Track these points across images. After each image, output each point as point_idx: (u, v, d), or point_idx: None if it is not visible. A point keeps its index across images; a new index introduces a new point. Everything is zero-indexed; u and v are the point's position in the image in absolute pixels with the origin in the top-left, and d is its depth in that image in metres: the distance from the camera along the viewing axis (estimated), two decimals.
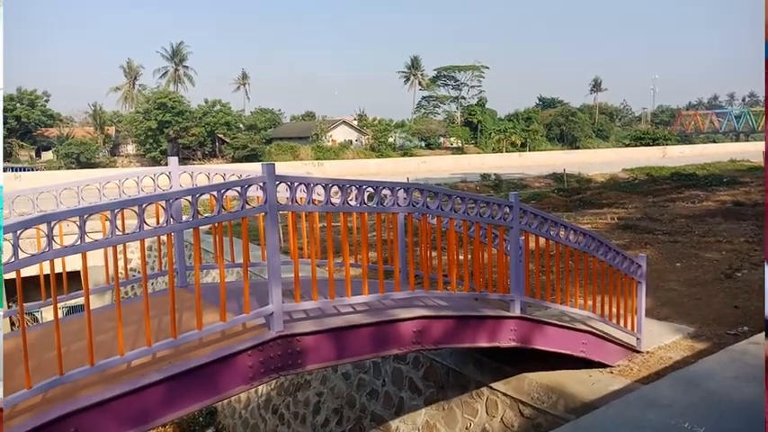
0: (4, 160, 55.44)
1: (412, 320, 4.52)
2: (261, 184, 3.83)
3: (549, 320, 5.49)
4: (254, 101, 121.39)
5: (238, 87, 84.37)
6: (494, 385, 6.16)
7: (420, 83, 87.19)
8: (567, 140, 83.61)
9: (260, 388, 9.67)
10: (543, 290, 5.84)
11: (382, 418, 7.59)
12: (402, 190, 4.53)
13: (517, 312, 5.20)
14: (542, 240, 5.52)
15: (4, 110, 49.55)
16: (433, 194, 4.77)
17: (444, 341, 4.82)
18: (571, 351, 5.54)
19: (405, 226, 5.56)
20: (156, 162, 57.90)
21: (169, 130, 59.86)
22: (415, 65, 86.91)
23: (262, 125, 68.36)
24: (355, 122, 74.87)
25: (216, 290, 4.46)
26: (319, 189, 4.16)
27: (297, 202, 4.07)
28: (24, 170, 46.80)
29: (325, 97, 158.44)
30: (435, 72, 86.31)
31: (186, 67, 76.76)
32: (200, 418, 10.76)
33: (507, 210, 5.16)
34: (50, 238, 3.07)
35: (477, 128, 76.37)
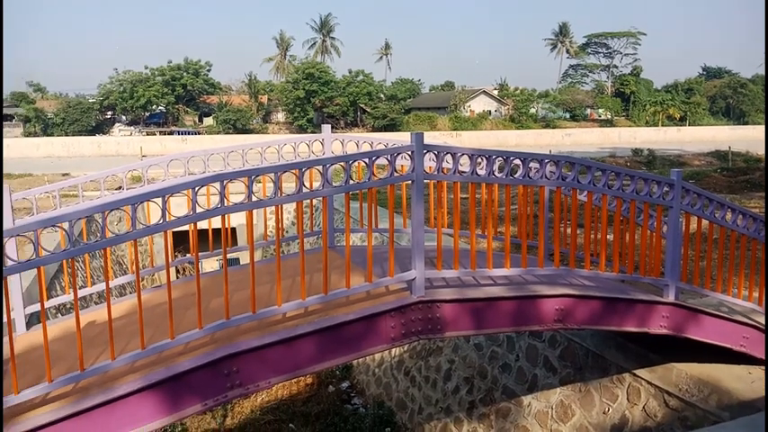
0: (172, 124, 61.51)
1: (555, 298, 4.41)
2: (409, 152, 3.91)
3: (707, 309, 5.07)
4: (396, 71, 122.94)
5: (381, 58, 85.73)
6: (637, 372, 5.84)
7: (568, 51, 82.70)
8: (734, 115, 75.25)
9: (394, 349, 10.03)
10: (702, 277, 5.38)
11: (514, 392, 7.55)
12: (551, 163, 4.38)
13: (671, 298, 4.86)
14: (704, 223, 5.07)
15: (173, 78, 54.36)
16: (585, 168, 4.56)
17: (588, 322, 4.65)
18: (730, 344, 5.08)
19: (549, 201, 5.40)
20: (302, 130, 60.94)
21: (315, 99, 62.52)
22: (563, 31, 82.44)
23: (401, 95, 69.05)
24: (495, 92, 73.06)
25: (361, 253, 4.66)
26: (464, 159, 4.15)
27: (442, 171, 4.10)
28: (190, 134, 51.70)
29: (465, 67, 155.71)
30: (585, 39, 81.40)
31: (333, 38, 79.37)
32: (337, 372, 11.40)
33: (667, 188, 4.80)
34: (222, 195, 3.38)
35: (629, 99, 71.18)
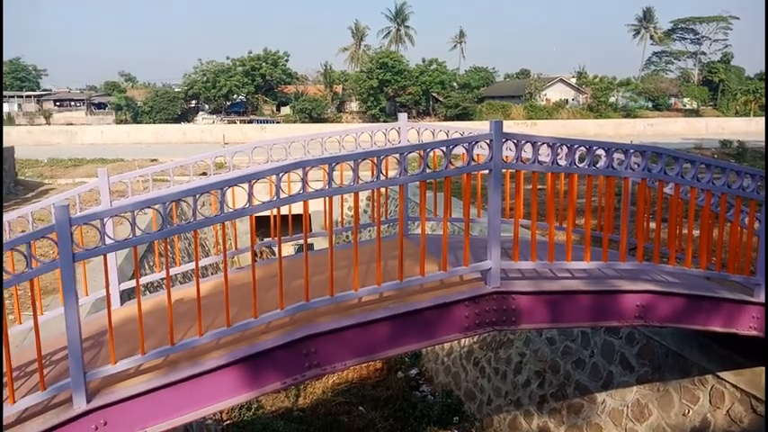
0: (252, 113, 63.44)
1: (637, 294, 4.26)
2: (488, 141, 3.87)
3: None
4: (470, 59, 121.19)
5: (455, 46, 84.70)
6: (722, 374, 5.57)
7: (652, 37, 78.73)
8: None
9: (463, 339, 10.00)
10: None
11: (587, 388, 7.37)
12: (637, 153, 4.22)
13: (762, 299, 4.60)
14: None
15: (253, 68, 56.00)
16: (672, 160, 4.36)
17: (671, 320, 4.47)
18: None
19: (632, 194, 5.21)
20: (375, 119, 61.29)
21: (388, 88, 62.69)
22: (647, 17, 78.50)
23: (475, 84, 68.08)
24: (573, 80, 70.65)
25: (434, 242, 4.68)
26: (544, 149, 4.07)
27: (521, 161, 4.04)
28: (268, 122, 53.20)
29: (541, 54, 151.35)
30: (671, 24, 77.13)
31: (407, 27, 79.11)
32: (406, 359, 11.50)
33: (761, 182, 4.52)
34: (304, 181, 3.49)
35: (717, 88, 67.00)
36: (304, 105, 61.45)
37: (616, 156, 4.24)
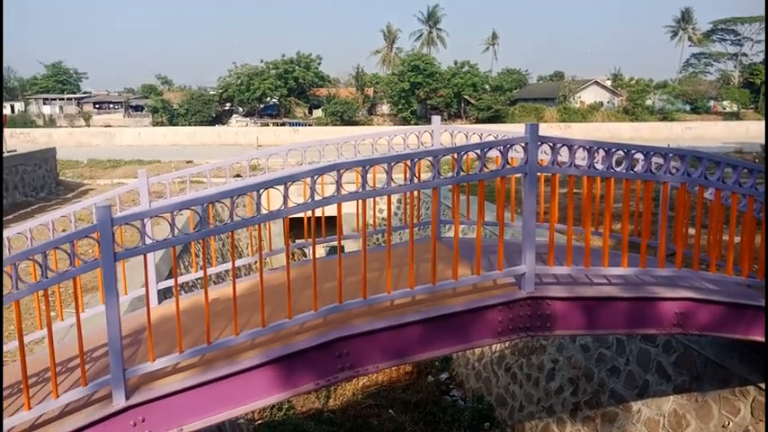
0: (284, 115, 64.13)
1: (675, 301, 4.17)
2: (523, 144, 3.84)
3: None
4: (502, 61, 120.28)
5: (487, 48, 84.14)
6: (764, 386, 5.39)
7: (690, 38, 76.95)
8: None
9: (495, 345, 9.92)
10: None
11: (623, 397, 7.22)
12: (676, 157, 4.13)
13: None
14: None
15: (286, 72, 56.69)
16: (713, 164, 4.25)
17: (711, 328, 4.35)
18: None
19: (671, 198, 5.09)
20: (406, 122, 61.35)
21: (420, 91, 62.67)
22: (685, 18, 76.77)
23: (507, 86, 67.56)
24: (608, 82, 69.52)
25: (467, 245, 4.66)
26: (581, 152, 4.01)
27: (557, 164, 3.99)
28: (300, 125, 53.71)
29: (575, 56, 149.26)
30: (711, 25, 75.30)
31: (440, 29, 78.95)
32: (437, 362, 11.45)
33: None
34: (339, 184, 3.51)
35: (759, 90, 65.02)
36: (336, 108, 61.84)
37: (654, 160, 4.16)
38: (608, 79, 70.28)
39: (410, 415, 9.78)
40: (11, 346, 4.50)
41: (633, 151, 4.06)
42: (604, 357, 7.72)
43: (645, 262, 4.19)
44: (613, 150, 3.99)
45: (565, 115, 58.23)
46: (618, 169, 4.06)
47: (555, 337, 8.35)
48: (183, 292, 9.23)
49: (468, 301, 3.91)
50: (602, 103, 65.93)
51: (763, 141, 31.02)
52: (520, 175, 3.99)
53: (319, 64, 67.43)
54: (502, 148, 3.85)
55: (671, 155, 4.13)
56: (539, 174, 4.13)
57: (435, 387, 10.87)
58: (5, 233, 4.45)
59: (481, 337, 3.95)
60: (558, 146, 3.89)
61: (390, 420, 9.71)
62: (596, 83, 68.57)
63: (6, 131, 17.47)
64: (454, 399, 10.49)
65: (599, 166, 4.01)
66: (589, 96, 66.80)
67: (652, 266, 4.27)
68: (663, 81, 69.79)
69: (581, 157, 4.02)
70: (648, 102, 66.05)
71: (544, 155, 4.06)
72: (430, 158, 3.82)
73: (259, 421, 9.75)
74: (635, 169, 4.13)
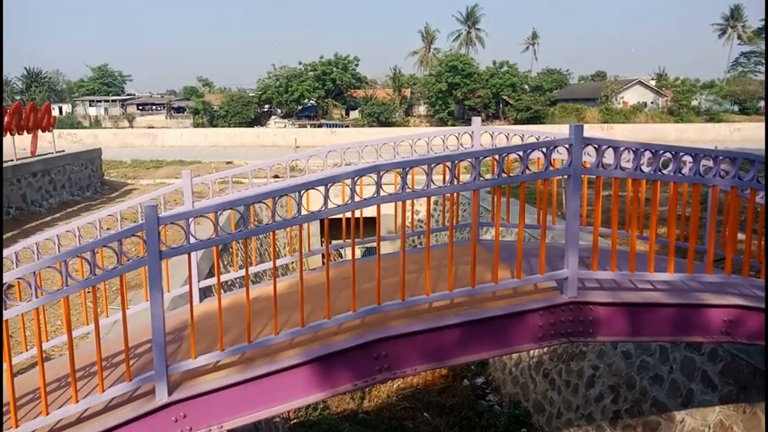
0: (321, 117, 64.66)
1: (723, 308, 4.03)
2: (566, 145, 3.76)
3: None
4: (542, 61, 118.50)
5: (527, 48, 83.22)
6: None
7: (740, 36, 74.45)
8: None
9: (533, 350, 9.77)
10: None
11: (665, 406, 7.02)
12: (727, 160, 3.99)
13: None
14: None
15: (324, 73, 57.18)
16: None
17: (761, 337, 4.18)
18: None
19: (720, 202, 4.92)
20: (443, 123, 61.09)
21: (457, 92, 62.33)
22: (735, 15, 74.33)
23: (547, 86, 66.59)
24: (653, 82, 67.81)
25: (506, 248, 4.59)
26: (626, 154, 3.91)
27: (602, 166, 3.89)
28: (337, 126, 54.07)
29: (618, 55, 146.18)
30: (762, 22, 72.57)
31: (478, 29, 78.42)
32: (473, 366, 11.35)
33: None
34: (379, 185, 3.50)
35: None
36: (372, 109, 62.01)
37: (704, 162, 4.02)
38: (652, 79, 68.58)
39: (445, 419, 9.72)
40: (58, 341, 4.66)
41: (681, 153, 3.94)
42: (647, 365, 7.52)
43: (692, 267, 4.06)
44: (661, 152, 3.88)
45: (607, 116, 57.08)
46: (665, 172, 3.95)
47: (596, 343, 8.17)
48: (222, 290, 9.39)
49: (508, 305, 3.85)
50: (645, 104, 64.38)
51: None
52: (560, 177, 3.91)
53: (357, 65, 67.77)
54: (545, 149, 3.78)
55: (721, 157, 3.99)
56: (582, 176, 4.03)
57: (471, 391, 10.78)
58: (54, 231, 4.60)
59: (521, 341, 3.89)
60: (604, 148, 3.80)
61: (425, 424, 9.66)
62: (640, 83, 66.99)
63: (55, 132, 18.05)
64: (490, 403, 10.38)
65: (646, 169, 3.90)
66: (632, 97, 65.31)
67: (700, 272, 4.14)
68: (710, 81, 67.73)
69: (626, 159, 3.92)
70: (694, 102, 64.16)
71: (587, 156, 3.97)
72: (470, 160, 3.79)
73: (294, 420, 9.83)
74: (683, 172, 4.00)
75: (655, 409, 7.16)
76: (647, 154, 3.87)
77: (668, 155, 3.90)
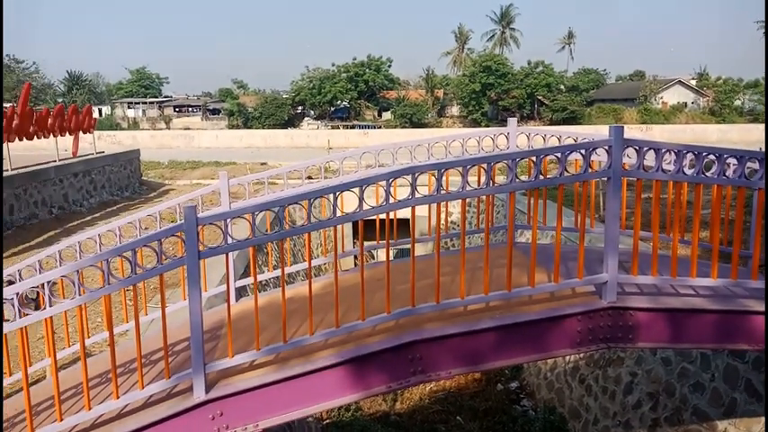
0: (354, 118, 64.93)
1: None
2: (606, 147, 3.68)
3: None
4: (579, 61, 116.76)
5: (563, 47, 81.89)
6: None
7: None
8: None
9: (569, 355, 9.61)
10: None
11: (707, 415, 6.81)
12: None
13: None
14: None
15: (356, 75, 57.46)
16: None
17: None
18: None
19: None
20: (476, 123, 60.69)
21: (491, 92, 61.86)
22: None
23: (584, 86, 65.60)
24: (693, 82, 66.13)
25: (543, 251, 4.52)
26: (668, 156, 3.81)
27: (643, 168, 3.80)
28: (369, 128, 54.24)
29: (657, 55, 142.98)
30: None
31: (513, 29, 77.62)
32: (507, 371, 11.22)
33: None
34: (414, 186, 3.49)
35: None
36: (405, 110, 62.00)
37: (749, 165, 3.89)
38: (692, 78, 66.91)
39: (479, 423, 9.63)
40: (98, 338, 4.78)
41: (726, 156, 3.81)
42: (687, 372, 7.32)
43: (736, 273, 3.93)
44: (704, 154, 3.77)
45: (645, 116, 55.94)
46: (708, 174, 3.83)
47: (636, 349, 7.99)
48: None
49: (544, 309, 3.79)
50: (685, 104, 62.86)
51: None
52: (597, 179, 3.83)
53: (389, 66, 67.83)
54: (584, 151, 3.71)
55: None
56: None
57: (505, 396, 10.66)
58: (96, 230, 4.71)
59: (558, 347, 3.82)
60: (645, 149, 3.70)
61: (458, 427, 9.60)
62: (680, 82, 65.45)
63: (95, 133, 18.55)
64: (525, 409, 10.24)
65: (688, 171, 3.79)
66: (672, 97, 63.83)
67: (744, 278, 4.00)
68: (753, 80, 65.55)
69: (667, 161, 3.82)
70: (737, 102, 62.36)
71: (627, 158, 3.88)
72: (507, 161, 3.74)
73: (327, 421, 9.88)
74: (727, 174, 3.88)
75: (696, 417, 6.96)
76: (690, 156, 3.77)
77: (712, 157, 3.78)
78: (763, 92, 62.96)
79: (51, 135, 15.49)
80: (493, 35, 77.80)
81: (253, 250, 3.58)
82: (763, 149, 4.33)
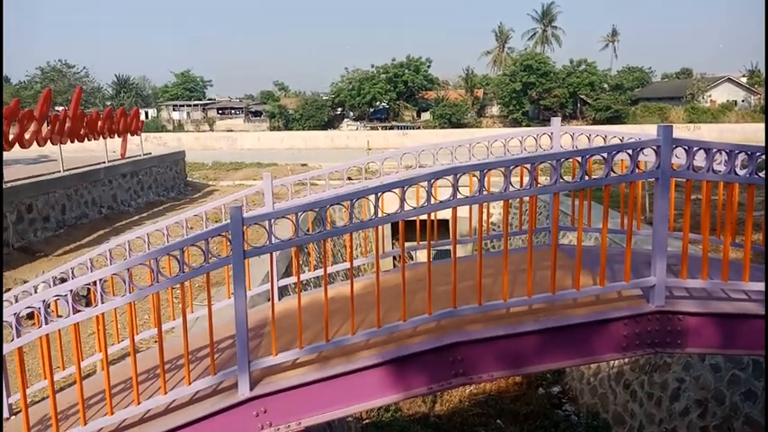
0: (393, 119, 65.00)
1: None
2: (654, 147, 3.59)
3: None
4: (623, 59, 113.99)
5: (606, 45, 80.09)
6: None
7: None
8: None
9: (614, 360, 9.39)
10: None
11: (759, 424, 6.57)
12: None
13: None
14: None
15: (395, 75, 57.48)
16: None
17: None
18: None
19: None
20: (517, 123, 59.98)
21: (532, 91, 61.05)
22: None
23: (628, 85, 64.07)
24: (743, 80, 63.81)
25: (588, 253, 4.43)
26: (719, 156, 3.68)
27: (693, 169, 3.69)
28: (408, 128, 54.22)
29: (705, 52, 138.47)
30: None
31: (555, 27, 76.40)
32: (548, 375, 11.05)
33: None
34: (455, 187, 3.47)
35: None
36: (444, 111, 61.73)
37: None
38: (743, 76, 64.60)
39: (519, 427, 9.51)
40: (145, 335, 4.91)
41: None
42: (738, 379, 7.07)
43: None
44: (757, 154, 3.63)
45: (693, 115, 54.28)
46: (762, 175, 3.69)
47: (684, 354, 7.75)
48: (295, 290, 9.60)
49: (590, 312, 3.72)
50: (735, 103, 60.69)
51: None
52: (644, 180, 3.74)
53: (429, 67, 67.61)
54: (631, 151, 3.62)
55: None
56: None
57: (546, 400, 10.49)
58: (144, 229, 4.85)
59: (603, 351, 3.74)
60: (695, 149, 3.60)
61: (498, 431, 9.49)
62: (729, 80, 63.27)
63: (142, 135, 19.12)
64: (567, 413, 10.06)
65: (740, 172, 3.66)
66: (721, 95, 61.78)
67: None
68: None
69: (718, 162, 3.70)
70: None
71: (675, 158, 3.77)
72: (551, 162, 3.68)
73: (366, 421, 9.91)
74: None
75: (747, 427, 6.72)
76: (742, 156, 3.64)
77: (765, 157, 3.64)
78: None
79: (101, 137, 16.02)
80: (534, 34, 76.74)
81: (296, 250, 3.62)
82: None
